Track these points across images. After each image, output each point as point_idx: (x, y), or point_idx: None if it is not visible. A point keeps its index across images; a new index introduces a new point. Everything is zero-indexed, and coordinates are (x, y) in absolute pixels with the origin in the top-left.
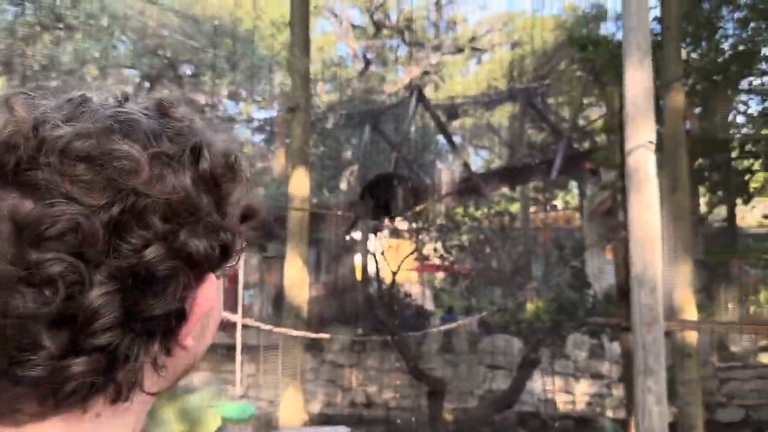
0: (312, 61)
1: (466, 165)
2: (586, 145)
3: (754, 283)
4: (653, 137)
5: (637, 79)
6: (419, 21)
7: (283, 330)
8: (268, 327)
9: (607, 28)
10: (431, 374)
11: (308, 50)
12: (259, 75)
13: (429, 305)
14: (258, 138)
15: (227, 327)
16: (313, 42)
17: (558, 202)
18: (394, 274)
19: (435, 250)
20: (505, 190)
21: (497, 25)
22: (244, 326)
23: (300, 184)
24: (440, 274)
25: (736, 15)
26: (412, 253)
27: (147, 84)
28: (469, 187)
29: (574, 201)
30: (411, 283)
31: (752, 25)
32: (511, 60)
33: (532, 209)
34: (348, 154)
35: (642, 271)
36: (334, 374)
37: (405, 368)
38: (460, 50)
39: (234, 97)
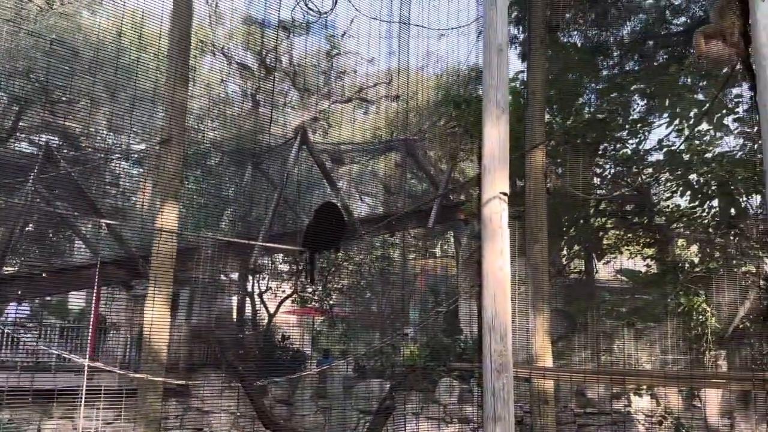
0: (198, 97)
1: (347, 209)
2: (462, 196)
3: (608, 334)
4: (507, 189)
5: (494, 134)
6: (310, 68)
7: (138, 375)
8: (121, 372)
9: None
10: (285, 423)
11: (185, 83)
12: (140, 106)
13: (307, 349)
14: (136, 170)
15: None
16: (201, 78)
17: (437, 250)
18: (272, 316)
19: (314, 293)
20: (385, 235)
21: (384, 78)
22: (102, 369)
23: (168, 218)
24: (320, 318)
25: (597, 86)
26: (290, 295)
27: (15, 108)
28: (350, 231)
29: (450, 249)
30: (289, 326)
31: (611, 95)
32: (396, 113)
33: (411, 256)
34: (230, 191)
35: (493, 317)
36: (201, 421)
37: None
38: (348, 99)
39: (112, 127)
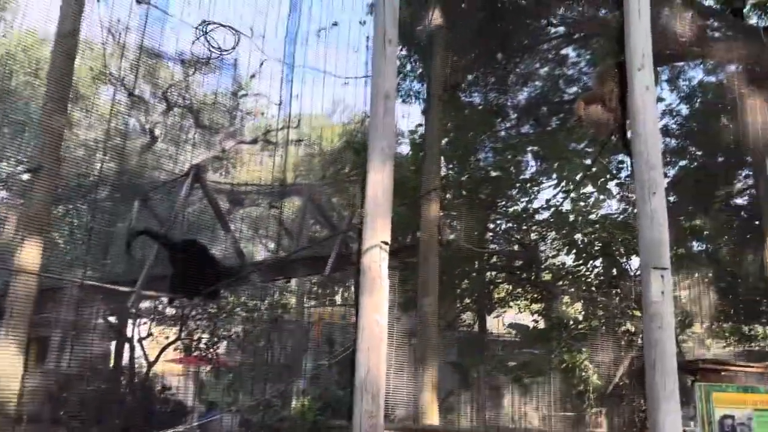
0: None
1: (240, 253)
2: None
3: (497, 388)
4: (388, 238)
5: (378, 181)
6: (215, 106)
7: None
8: None
9: None
10: None
11: (65, 109)
12: (22, 132)
13: (190, 400)
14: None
15: None
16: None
17: (337, 298)
18: (151, 364)
19: (200, 340)
20: (283, 281)
21: (291, 122)
22: None
23: (29, 255)
24: (206, 367)
25: (493, 145)
26: (174, 342)
27: None
28: (244, 276)
29: (351, 297)
30: (172, 376)
31: (506, 155)
32: (301, 157)
33: (309, 303)
34: (117, 227)
35: (365, 375)
36: None
37: None
38: (253, 141)
39: None
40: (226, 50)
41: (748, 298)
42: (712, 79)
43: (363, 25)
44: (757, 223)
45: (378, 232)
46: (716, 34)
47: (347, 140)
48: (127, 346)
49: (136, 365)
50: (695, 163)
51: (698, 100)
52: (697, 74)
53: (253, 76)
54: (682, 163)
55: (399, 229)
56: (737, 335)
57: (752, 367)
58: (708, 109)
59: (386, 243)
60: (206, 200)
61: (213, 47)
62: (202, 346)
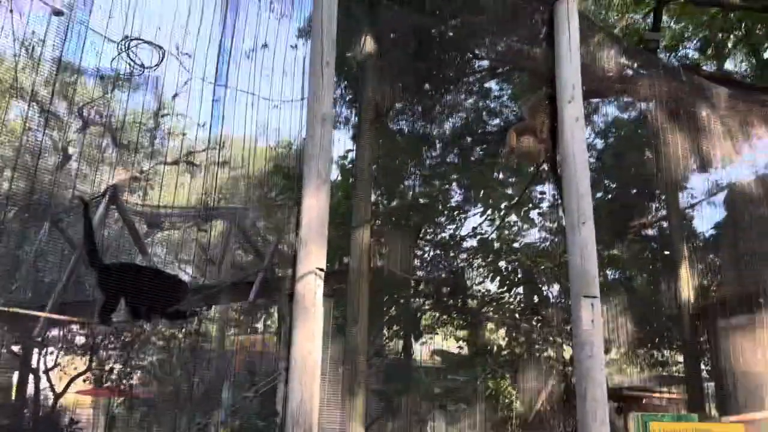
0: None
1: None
2: (289, 270)
3: (421, 416)
4: (323, 264)
5: (314, 206)
6: (135, 125)
7: None
8: None
9: None
10: None
11: None
12: None
13: None
14: None
15: None
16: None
17: (260, 325)
18: (58, 396)
19: (111, 370)
20: (202, 309)
21: (216, 144)
22: None
23: None
24: (118, 399)
25: (421, 172)
26: (83, 372)
27: None
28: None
29: (274, 325)
30: (81, 408)
31: (433, 182)
32: (226, 180)
33: (231, 331)
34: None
35: (298, 408)
36: None
37: None
38: (174, 162)
39: None
40: (149, 67)
41: (660, 325)
42: (626, 116)
43: (294, 49)
44: (667, 253)
45: (313, 257)
46: (639, 72)
47: (275, 164)
48: (31, 377)
49: (42, 397)
50: (609, 196)
51: (613, 136)
52: (611, 110)
53: (176, 95)
54: (598, 195)
55: (328, 255)
56: (651, 361)
57: (671, 393)
58: (623, 143)
59: (321, 270)
60: (122, 222)
61: (135, 63)
62: (113, 376)
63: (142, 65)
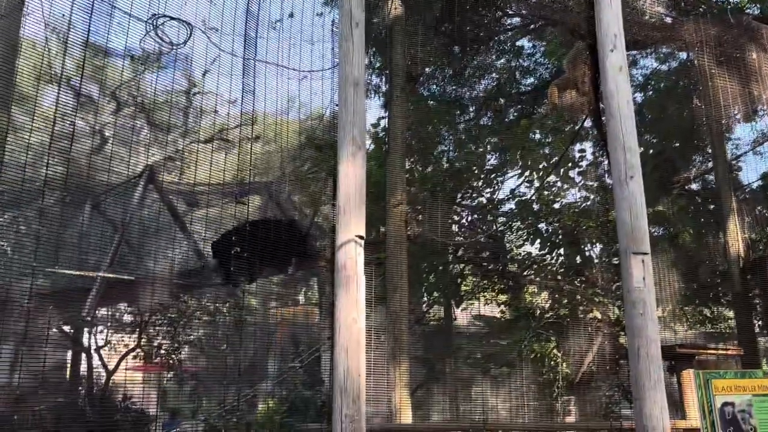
0: (39, 131)
1: (200, 254)
2: (326, 242)
3: (466, 381)
4: (363, 232)
5: (351, 173)
6: (166, 105)
7: None
8: None
9: None
10: None
11: (8, 108)
12: None
13: (153, 409)
14: None
15: None
16: (43, 112)
17: (300, 297)
18: (111, 373)
19: (160, 346)
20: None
21: (246, 120)
22: None
23: None
24: (169, 374)
25: (455, 137)
26: (133, 349)
27: None
28: (204, 278)
29: (315, 296)
30: (133, 384)
31: (468, 148)
32: (258, 155)
33: (272, 304)
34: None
35: (345, 377)
36: None
37: None
38: (208, 140)
39: None
40: (177, 44)
41: (710, 281)
42: (665, 67)
43: (320, 17)
44: (713, 206)
45: (352, 226)
46: (682, 17)
47: (307, 136)
48: (83, 356)
49: (95, 375)
50: (651, 151)
51: (653, 89)
52: (650, 63)
53: (206, 71)
54: (640, 150)
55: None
56: (700, 318)
57: (726, 350)
58: (663, 96)
59: (361, 237)
60: (161, 202)
61: (164, 42)
62: (162, 352)
63: (171, 43)
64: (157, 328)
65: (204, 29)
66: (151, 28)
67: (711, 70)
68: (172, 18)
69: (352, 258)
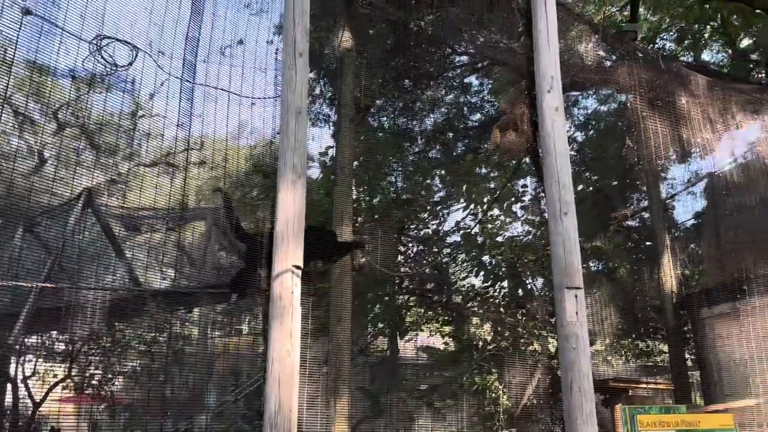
0: None
1: (136, 282)
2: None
3: (409, 414)
4: (301, 262)
5: (290, 202)
6: (109, 127)
7: None
8: None
9: None
10: None
11: None
12: None
13: None
14: None
15: None
16: None
17: (244, 327)
18: (38, 405)
19: (92, 376)
20: (184, 311)
21: (194, 144)
22: None
23: None
24: (102, 406)
25: (403, 168)
26: (63, 380)
27: None
28: (140, 306)
29: (258, 325)
30: (62, 416)
31: (415, 180)
32: (205, 180)
33: (214, 333)
34: None
35: (275, 412)
36: None
37: None
38: (153, 163)
39: None
40: (122, 66)
41: (645, 315)
42: (605, 108)
43: (270, 44)
44: (649, 243)
45: (289, 255)
46: (618, 62)
47: (254, 163)
48: (9, 386)
49: (21, 406)
50: (591, 188)
51: (593, 128)
52: (591, 103)
53: (152, 94)
54: (580, 187)
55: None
56: (636, 352)
57: (657, 383)
58: (603, 135)
59: (298, 267)
60: (99, 226)
61: (108, 63)
62: (94, 383)
63: (115, 64)
64: (89, 357)
65: (151, 52)
66: (96, 48)
67: (643, 113)
68: (116, 39)
69: (288, 288)
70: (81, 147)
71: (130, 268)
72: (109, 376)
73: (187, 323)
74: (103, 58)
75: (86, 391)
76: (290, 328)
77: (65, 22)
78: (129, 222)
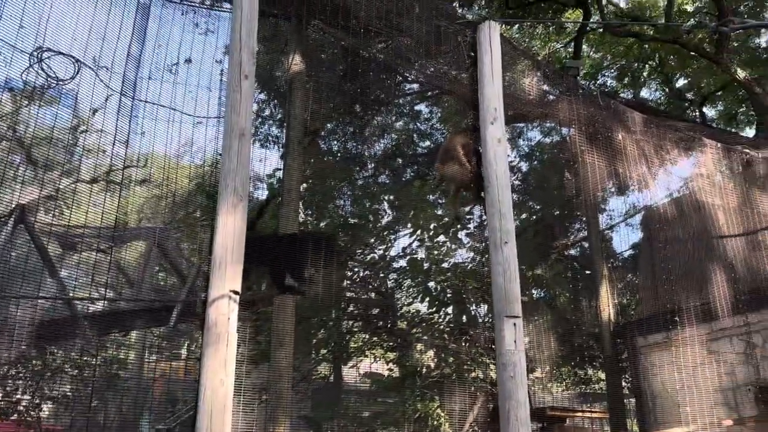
0: None
1: (70, 303)
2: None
3: None
4: (239, 287)
5: (230, 225)
6: (50, 142)
7: None
8: None
9: None
10: None
11: None
12: None
13: None
14: None
15: None
16: None
17: (183, 351)
18: None
19: (18, 402)
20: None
21: (137, 162)
22: None
23: None
24: None
25: (351, 192)
26: None
27: None
28: (73, 329)
29: (198, 350)
30: None
31: (363, 204)
32: (147, 199)
33: (151, 358)
34: None
35: None
36: None
37: None
38: (93, 180)
39: None
40: (63, 80)
41: (583, 343)
42: (548, 140)
43: (219, 64)
44: (588, 272)
45: (227, 280)
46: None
47: (198, 183)
48: None
49: None
50: (534, 217)
51: (537, 159)
52: (535, 135)
53: (95, 110)
54: (523, 216)
55: (254, 277)
56: (575, 380)
57: (594, 411)
58: (546, 166)
59: (236, 292)
60: (31, 244)
61: (49, 76)
62: (21, 408)
63: (56, 78)
64: (16, 381)
65: (94, 67)
66: (36, 60)
67: (582, 146)
68: (58, 52)
69: (224, 315)
70: (17, 161)
71: (63, 287)
72: (37, 401)
73: (122, 347)
74: (43, 70)
75: (11, 417)
76: (225, 357)
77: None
78: (65, 240)
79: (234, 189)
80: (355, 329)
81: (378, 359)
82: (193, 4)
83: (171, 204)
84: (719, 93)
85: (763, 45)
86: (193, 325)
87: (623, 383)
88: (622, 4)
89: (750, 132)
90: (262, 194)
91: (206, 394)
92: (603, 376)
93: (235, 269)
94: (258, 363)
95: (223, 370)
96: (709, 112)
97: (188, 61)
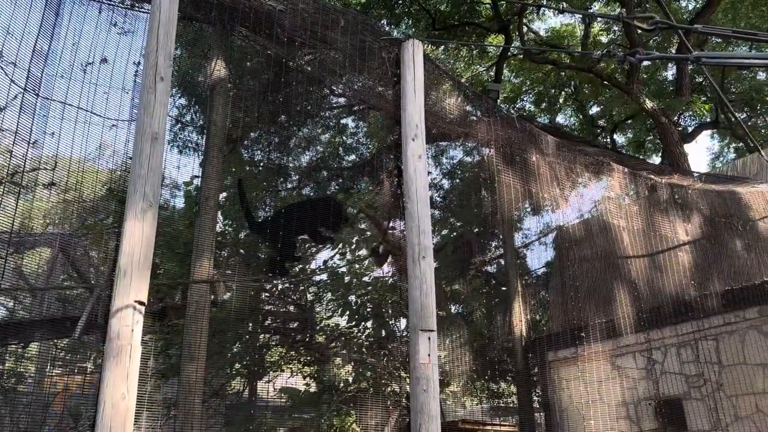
0: None
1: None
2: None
3: None
4: (145, 297)
5: (137, 232)
6: None
7: None
8: None
9: None
10: None
11: None
12: None
13: None
14: None
15: None
16: None
17: (89, 364)
18: None
19: None
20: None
21: (45, 164)
22: None
23: None
24: None
25: (275, 202)
26: None
27: None
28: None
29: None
30: None
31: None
32: (55, 203)
33: (54, 371)
34: None
35: None
36: None
37: None
38: None
39: None
40: None
41: (497, 357)
42: (469, 159)
43: (137, 66)
44: (504, 288)
45: (133, 289)
46: (479, 117)
47: (110, 188)
48: None
49: None
50: (454, 233)
51: (458, 177)
52: (458, 153)
53: (2, 108)
54: (444, 232)
55: (166, 288)
56: (488, 393)
57: (504, 424)
58: (467, 184)
59: (142, 303)
60: None
61: None
62: None
63: None
64: None
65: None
66: None
67: (498, 166)
68: None
69: (128, 326)
70: None
71: None
72: None
73: (22, 359)
74: None
75: None
76: (128, 370)
77: None
78: None
79: (144, 194)
80: (272, 343)
81: (295, 373)
82: (110, 2)
83: (79, 209)
84: (629, 121)
85: (669, 78)
86: (100, 336)
87: (534, 397)
88: (542, 33)
89: (656, 159)
90: (180, 203)
91: (106, 409)
92: (515, 389)
93: (142, 278)
94: (168, 377)
95: (125, 383)
96: (620, 138)
97: (103, 60)
